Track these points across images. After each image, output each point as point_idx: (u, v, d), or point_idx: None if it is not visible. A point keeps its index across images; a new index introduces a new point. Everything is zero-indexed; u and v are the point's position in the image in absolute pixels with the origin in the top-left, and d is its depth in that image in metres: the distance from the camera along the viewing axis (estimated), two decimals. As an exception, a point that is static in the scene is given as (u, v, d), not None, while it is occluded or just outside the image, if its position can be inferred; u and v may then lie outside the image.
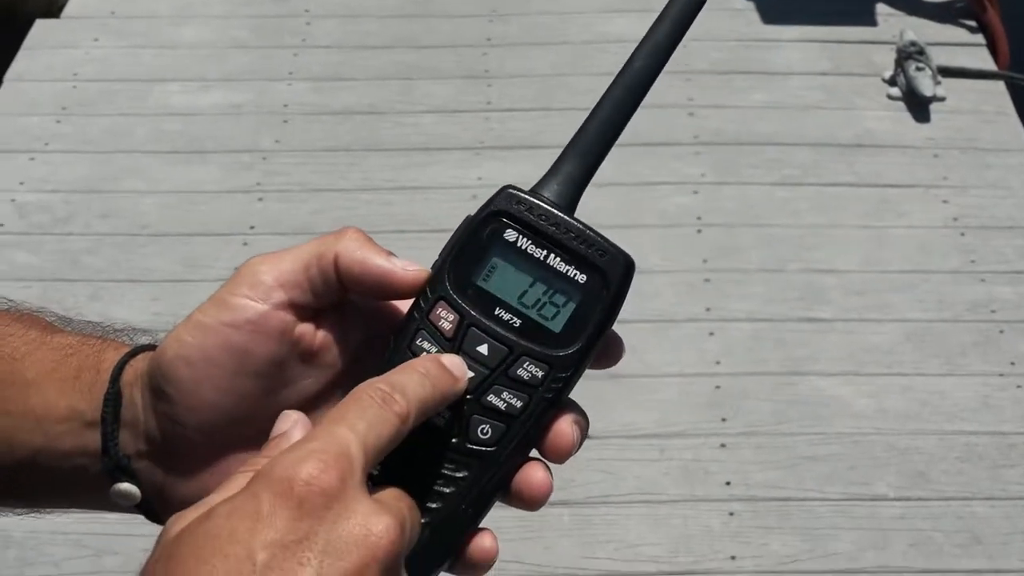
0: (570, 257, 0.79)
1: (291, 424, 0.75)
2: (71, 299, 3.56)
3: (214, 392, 0.80)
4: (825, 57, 4.58)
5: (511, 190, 0.80)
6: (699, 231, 3.88)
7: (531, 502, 0.79)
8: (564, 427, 0.79)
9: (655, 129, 4.13)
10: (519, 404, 0.78)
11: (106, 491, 0.85)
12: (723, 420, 3.32)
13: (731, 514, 3.10)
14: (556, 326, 0.78)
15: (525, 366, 0.78)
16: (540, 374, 0.78)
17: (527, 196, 0.79)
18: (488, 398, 0.78)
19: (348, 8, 4.80)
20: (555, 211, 0.79)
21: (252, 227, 3.87)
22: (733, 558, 3.01)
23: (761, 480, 3.18)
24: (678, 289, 3.67)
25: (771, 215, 3.95)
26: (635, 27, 4.33)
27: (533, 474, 0.79)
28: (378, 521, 0.69)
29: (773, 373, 3.44)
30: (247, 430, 0.81)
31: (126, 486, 0.85)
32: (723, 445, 3.26)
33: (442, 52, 4.60)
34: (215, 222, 3.93)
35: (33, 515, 0.94)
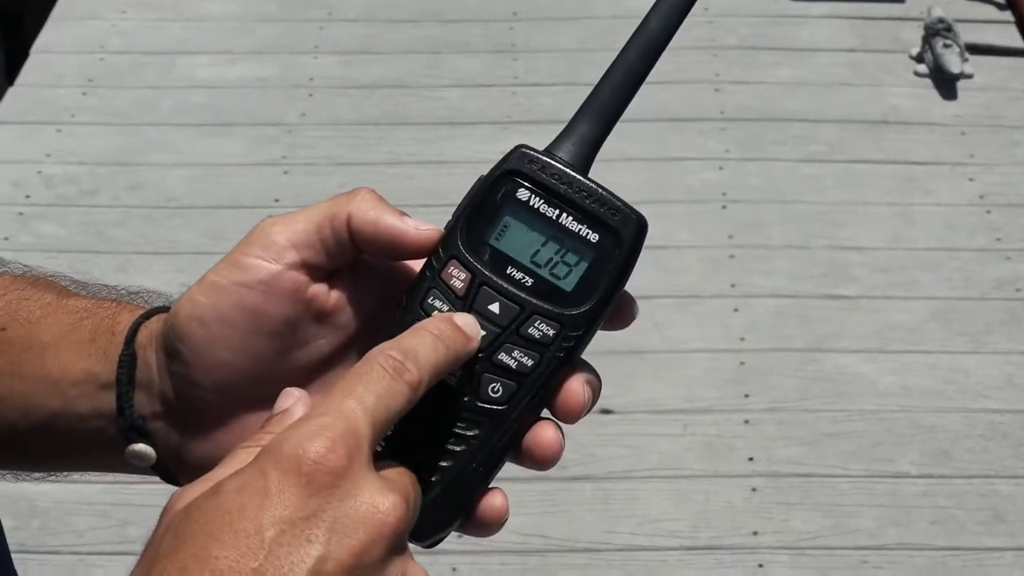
0: (583, 216, 0.78)
1: (293, 401, 0.75)
2: (97, 271, 3.57)
3: (228, 352, 0.81)
4: (852, 33, 4.57)
5: (524, 149, 0.79)
6: (724, 207, 3.87)
7: (541, 461, 0.79)
8: (575, 386, 0.78)
9: (681, 105, 4.13)
10: (530, 363, 0.78)
11: (122, 452, 0.86)
12: (746, 396, 3.32)
13: (753, 490, 3.11)
14: (568, 285, 0.78)
15: (536, 324, 0.78)
16: (551, 333, 0.78)
17: (540, 155, 0.79)
18: (499, 356, 0.78)
19: (375, -18, 4.80)
20: (568, 170, 0.79)
21: (277, 200, 3.88)
22: (755, 533, 3.01)
23: (784, 456, 3.18)
24: (703, 265, 3.67)
25: (797, 192, 3.95)
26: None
27: (543, 433, 0.79)
28: (384, 499, 0.69)
29: (797, 350, 3.44)
30: (261, 390, 0.81)
31: (141, 447, 0.85)
32: (746, 421, 3.26)
33: (469, 26, 4.60)
34: (241, 195, 3.94)
35: (51, 478, 0.95)
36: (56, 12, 4.67)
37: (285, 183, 3.97)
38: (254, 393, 0.82)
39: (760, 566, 2.95)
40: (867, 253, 3.73)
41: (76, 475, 0.95)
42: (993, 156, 4.07)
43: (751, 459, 3.17)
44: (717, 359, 3.42)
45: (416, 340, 0.75)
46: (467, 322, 0.77)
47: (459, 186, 3.92)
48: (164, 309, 0.86)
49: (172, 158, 4.08)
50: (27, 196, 3.92)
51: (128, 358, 0.84)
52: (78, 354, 0.86)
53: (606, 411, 3.21)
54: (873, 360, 3.41)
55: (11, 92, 4.35)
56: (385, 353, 0.74)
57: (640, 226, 0.79)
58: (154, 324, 0.85)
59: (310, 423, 0.70)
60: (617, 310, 0.80)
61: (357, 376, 0.73)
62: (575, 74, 4.30)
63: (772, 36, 4.54)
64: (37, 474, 0.94)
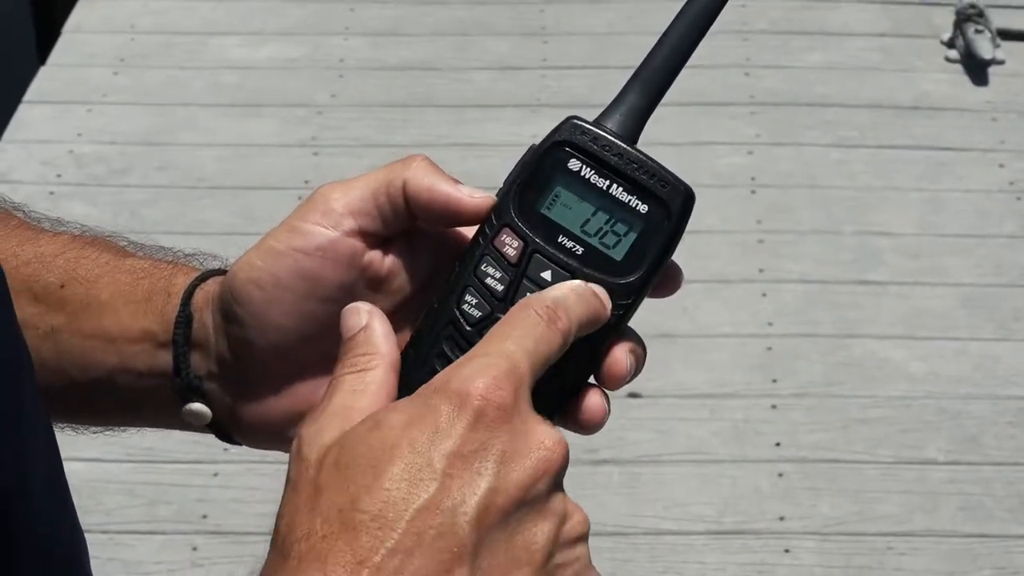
0: (632, 187, 0.80)
1: (367, 317, 0.77)
2: (127, 250, 3.58)
3: (283, 315, 0.82)
4: (884, 18, 4.55)
5: (575, 120, 0.81)
6: (753, 192, 3.87)
7: (587, 426, 0.81)
8: (620, 355, 0.80)
9: (711, 89, 4.12)
10: None
11: (178, 411, 0.88)
12: (774, 381, 3.32)
13: (780, 475, 3.11)
14: (617, 254, 0.80)
15: None
16: None
17: (591, 127, 0.80)
18: None
19: (405, -37, 4.80)
20: (618, 142, 0.80)
21: (307, 181, 3.89)
22: (781, 519, 3.01)
23: (811, 442, 3.18)
24: (732, 249, 3.67)
25: (826, 177, 3.94)
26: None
27: (590, 399, 0.80)
28: (549, 436, 0.72)
29: (825, 335, 3.44)
30: (315, 353, 0.83)
31: (198, 406, 0.87)
32: (774, 406, 3.26)
33: (498, 8, 4.60)
34: (271, 176, 3.95)
35: (108, 432, 0.97)
36: (88, -8, 4.68)
37: (315, 164, 3.97)
38: (308, 356, 0.84)
39: (786, 551, 2.96)
40: (897, 239, 3.73)
41: (131, 430, 0.97)
42: (1024, 142, 4.06)
43: (778, 444, 3.17)
44: (745, 344, 3.42)
45: (564, 292, 0.77)
46: (600, 291, 0.79)
47: (487, 169, 3.94)
48: (220, 272, 0.88)
49: (202, 138, 4.09)
50: (58, 176, 3.94)
51: (185, 319, 0.86)
52: (135, 313, 0.88)
53: (634, 395, 3.21)
54: (902, 346, 3.41)
55: (42, 72, 4.36)
56: (541, 303, 0.76)
57: (688, 197, 0.80)
58: (210, 286, 0.87)
59: (474, 361, 0.72)
60: (664, 278, 0.82)
61: (513, 321, 0.75)
62: (605, 57, 4.30)
63: (803, 20, 4.53)
64: (95, 428, 0.96)
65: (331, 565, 0.67)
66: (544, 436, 0.71)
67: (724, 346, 3.41)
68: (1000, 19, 4.43)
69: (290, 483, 0.71)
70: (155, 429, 0.94)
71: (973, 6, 4.38)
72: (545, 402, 0.77)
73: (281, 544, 0.69)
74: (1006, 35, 4.41)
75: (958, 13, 4.40)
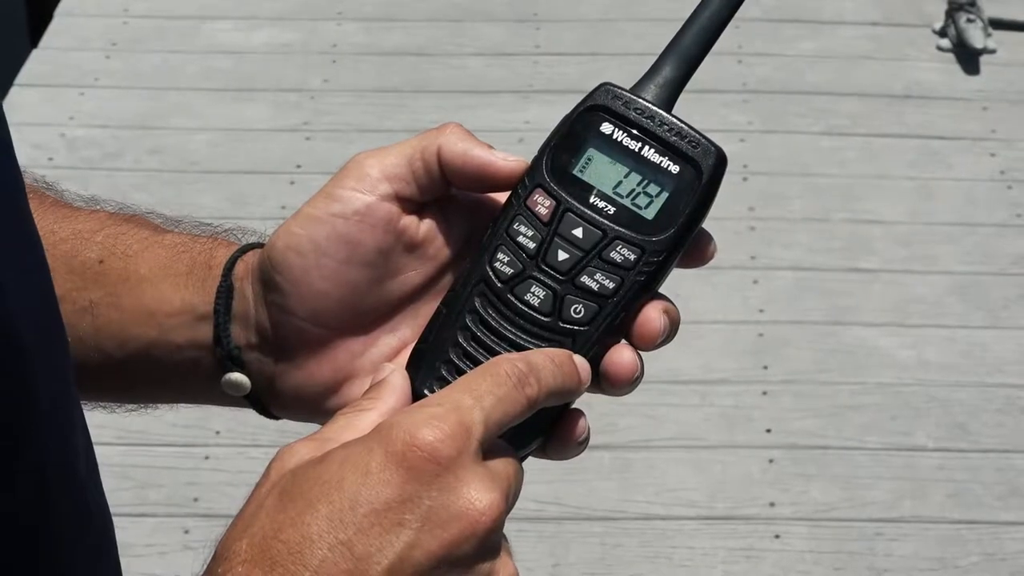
0: (664, 148, 0.81)
1: (390, 371, 0.78)
2: (119, 234, 3.58)
3: (323, 281, 0.83)
4: (876, 7, 4.56)
5: (609, 85, 0.82)
6: (745, 179, 3.87)
7: (618, 383, 0.81)
8: (652, 314, 0.81)
9: (703, 76, 4.08)
10: (611, 285, 0.80)
11: (217, 382, 0.89)
12: (765, 368, 3.33)
13: (771, 461, 3.12)
14: (649, 214, 0.81)
15: (618, 249, 0.80)
16: (632, 257, 0.80)
17: (624, 91, 0.82)
18: (582, 279, 0.80)
19: (398, -51, 4.80)
20: (651, 105, 0.82)
21: (299, 166, 3.89)
22: (772, 504, 3.03)
23: (801, 428, 3.19)
24: (723, 236, 3.65)
25: (818, 164, 3.95)
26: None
27: (621, 355, 0.81)
28: (483, 497, 0.70)
29: (816, 322, 3.45)
30: (354, 319, 0.84)
31: (237, 376, 0.88)
32: (764, 393, 3.27)
33: (492, -5, 4.60)
34: (263, 160, 3.95)
35: (142, 410, 0.98)
36: (80, -25, 4.68)
37: (307, 149, 3.98)
38: (347, 322, 0.85)
39: (776, 536, 2.97)
40: (887, 227, 3.74)
41: (164, 407, 0.98)
42: (1015, 132, 4.06)
43: (769, 430, 3.18)
44: (736, 330, 3.43)
45: (541, 359, 0.77)
46: (583, 365, 0.79)
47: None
48: (259, 245, 0.89)
49: (195, 123, 4.09)
50: (50, 159, 3.94)
51: (226, 290, 0.87)
52: (175, 286, 0.89)
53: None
54: (891, 333, 3.42)
55: (34, 55, 4.36)
56: (512, 362, 0.75)
57: (720, 158, 0.82)
58: (250, 258, 0.88)
59: (424, 411, 0.72)
60: (695, 246, 0.83)
61: (482, 375, 0.75)
62: (598, 44, 4.30)
63: (795, 8, 4.54)
64: (130, 406, 0.97)
65: None
66: (477, 498, 0.70)
67: (715, 332, 3.42)
68: (992, 8, 4.43)
69: (249, 496, 0.72)
70: (192, 405, 0.95)
71: (965, -5, 4.39)
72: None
73: (213, 559, 0.70)
74: (998, 24, 4.41)
75: (950, 2, 4.41)
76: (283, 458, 0.72)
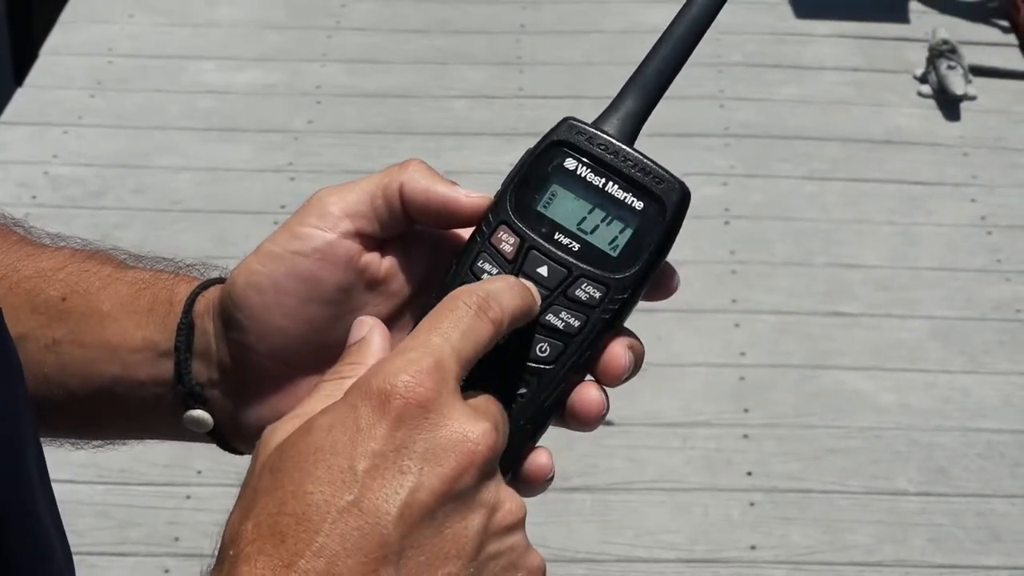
0: (628, 185, 0.81)
1: (368, 329, 0.78)
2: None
3: (284, 318, 0.83)
4: (857, 53, 4.59)
5: (572, 120, 0.82)
6: (727, 223, 3.89)
7: (585, 421, 0.81)
8: (618, 350, 0.81)
9: (685, 120, 4.14)
10: (577, 324, 0.80)
11: (180, 419, 0.89)
12: (746, 411, 3.33)
13: (752, 504, 3.12)
14: (614, 251, 0.81)
15: (583, 287, 0.80)
16: (598, 295, 0.80)
17: (587, 127, 0.82)
18: (547, 317, 0.80)
19: (383, -9, 4.83)
20: (614, 140, 0.81)
21: (283, 206, 3.90)
22: (753, 547, 3.03)
23: (782, 471, 3.19)
24: (705, 280, 3.68)
25: (799, 209, 3.96)
26: (671, 17, 4.33)
27: (588, 392, 0.81)
28: (474, 427, 0.71)
29: (797, 366, 3.46)
30: (315, 356, 0.84)
31: (199, 413, 0.88)
32: (746, 436, 3.27)
33: (476, 37, 4.62)
34: (246, 200, 3.95)
35: (109, 447, 0.97)
36: (65, 15, 4.69)
37: (291, 189, 3.98)
38: (307, 359, 0.85)
39: (756, 580, 2.97)
40: (868, 271, 3.75)
41: (132, 443, 0.98)
42: (995, 178, 4.09)
43: (750, 473, 3.18)
44: (718, 373, 3.43)
45: (496, 285, 0.77)
46: (534, 288, 0.80)
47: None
48: (220, 280, 0.89)
49: (178, 162, 4.09)
50: (33, 197, 3.94)
51: (186, 327, 0.87)
52: (137, 323, 0.89)
53: (606, 423, 3.22)
54: (872, 378, 3.43)
55: (19, 93, 4.37)
56: (470, 293, 0.76)
57: (684, 194, 0.81)
58: (211, 294, 0.88)
59: (398, 358, 0.72)
60: (659, 280, 0.82)
61: (441, 313, 0.75)
62: (581, 87, 4.32)
63: (777, 54, 4.56)
64: (96, 443, 0.97)
65: (259, 569, 0.67)
66: (468, 429, 0.71)
67: (697, 375, 3.42)
68: (973, 56, 4.46)
69: (241, 486, 0.73)
70: (149, 445, 0.95)
71: (946, 42, 4.42)
72: (544, 399, 0.79)
73: (220, 550, 0.70)
74: (978, 71, 4.44)
75: (931, 49, 4.43)
76: (267, 440, 0.73)
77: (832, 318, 3.60)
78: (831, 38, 4.65)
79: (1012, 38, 4.66)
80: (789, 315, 3.60)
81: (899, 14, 4.76)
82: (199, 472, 3.09)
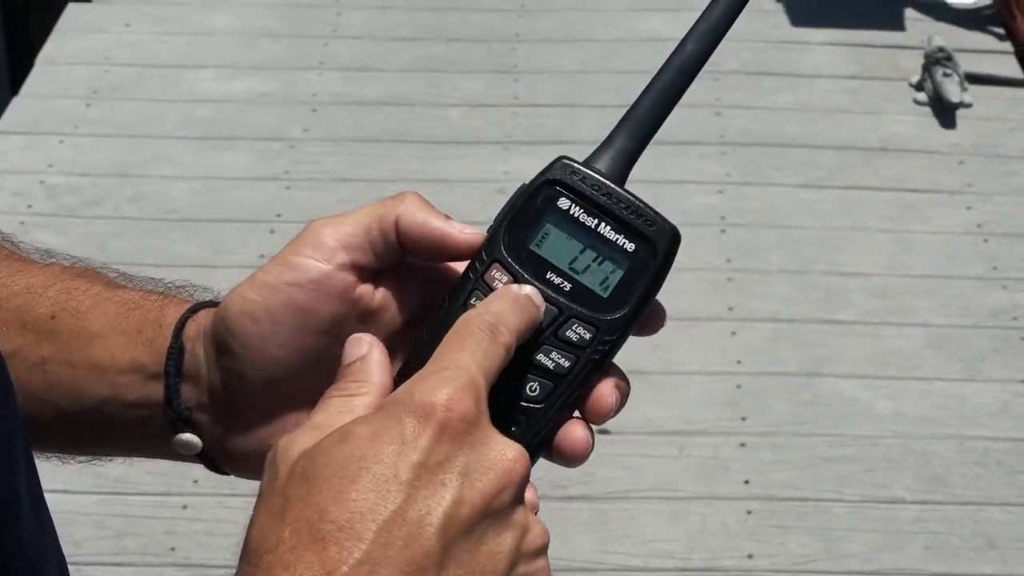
0: (620, 226, 0.82)
1: (367, 347, 0.79)
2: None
3: (277, 348, 0.84)
4: (853, 61, 4.59)
5: (565, 160, 0.83)
6: (723, 231, 3.89)
7: (572, 458, 0.82)
8: (605, 390, 0.82)
9: (681, 128, 4.14)
10: (567, 364, 0.81)
11: (168, 441, 0.89)
12: (743, 419, 3.33)
13: (749, 512, 3.12)
14: (604, 291, 0.82)
15: (574, 328, 0.81)
16: (588, 336, 0.81)
17: (580, 166, 0.83)
18: (538, 357, 0.81)
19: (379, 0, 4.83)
20: (607, 182, 0.82)
21: (279, 215, 3.90)
22: (750, 556, 3.02)
23: (779, 480, 3.19)
24: (701, 288, 3.68)
25: (795, 216, 3.97)
26: (666, 25, 4.35)
27: (575, 431, 0.82)
28: (511, 448, 0.73)
29: (794, 374, 3.46)
30: (306, 386, 0.84)
31: (188, 437, 0.88)
32: (742, 444, 3.27)
33: (471, 46, 4.62)
34: (242, 209, 3.95)
35: (95, 462, 0.97)
36: (61, 24, 4.69)
37: (287, 198, 3.98)
38: (299, 388, 0.85)
39: (753, 588, 2.97)
40: (864, 279, 3.75)
41: (119, 459, 0.98)
42: (991, 185, 4.09)
43: (747, 482, 3.18)
44: (714, 382, 3.43)
45: (502, 305, 0.78)
46: (535, 292, 0.80)
47: (460, 205, 3.93)
48: (211, 303, 0.89)
49: (174, 171, 4.09)
50: (29, 206, 3.93)
51: (176, 350, 0.87)
52: (126, 345, 0.89)
53: (603, 431, 3.22)
54: (869, 386, 3.43)
55: (15, 102, 4.37)
56: (482, 318, 0.77)
57: (674, 237, 0.83)
58: (202, 318, 0.88)
59: (434, 376, 0.73)
60: (648, 317, 0.83)
61: (461, 336, 0.76)
62: (576, 95, 4.32)
63: (773, 62, 4.57)
64: (82, 457, 0.97)
65: (299, 575, 0.68)
66: (507, 449, 0.73)
67: (693, 384, 3.42)
68: (968, 63, 4.47)
69: (261, 495, 0.73)
70: (143, 459, 0.95)
71: (942, 50, 4.42)
72: (532, 437, 0.80)
73: (250, 555, 0.70)
74: (974, 79, 4.45)
75: (927, 56, 4.44)
76: (286, 448, 0.73)
77: (828, 326, 3.60)
78: (827, 46, 4.66)
79: (1008, 46, 4.67)
80: (785, 323, 3.61)
81: (895, 22, 4.77)
82: (195, 482, 3.09)
